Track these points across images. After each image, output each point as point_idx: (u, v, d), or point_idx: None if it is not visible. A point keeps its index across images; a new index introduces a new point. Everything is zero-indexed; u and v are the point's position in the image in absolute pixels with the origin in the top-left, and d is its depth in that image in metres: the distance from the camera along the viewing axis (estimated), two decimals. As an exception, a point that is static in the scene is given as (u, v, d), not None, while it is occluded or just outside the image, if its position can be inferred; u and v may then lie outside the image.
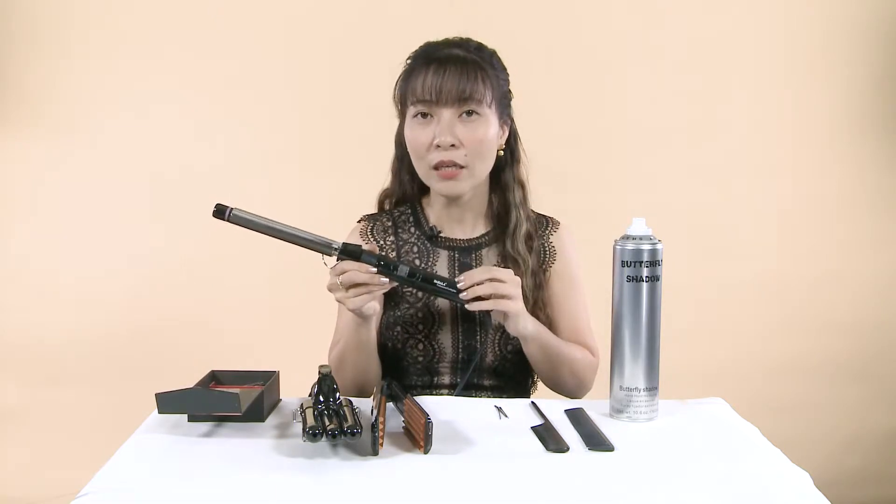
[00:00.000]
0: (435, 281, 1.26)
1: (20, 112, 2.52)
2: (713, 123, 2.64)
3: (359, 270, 1.19)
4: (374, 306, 1.26)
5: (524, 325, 1.31)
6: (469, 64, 1.36)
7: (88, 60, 2.51)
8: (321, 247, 1.21)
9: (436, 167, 1.37)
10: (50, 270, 2.54)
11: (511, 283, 1.25)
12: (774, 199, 2.67)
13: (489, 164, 1.41)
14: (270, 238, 1.21)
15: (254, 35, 2.55)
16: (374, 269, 1.20)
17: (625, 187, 2.57)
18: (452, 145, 1.35)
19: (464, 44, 1.41)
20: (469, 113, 1.35)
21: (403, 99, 1.40)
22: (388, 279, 1.21)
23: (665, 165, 2.62)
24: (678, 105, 2.62)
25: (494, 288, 1.24)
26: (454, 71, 1.34)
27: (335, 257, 1.21)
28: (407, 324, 1.42)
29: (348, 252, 1.21)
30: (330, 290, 1.22)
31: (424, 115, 1.36)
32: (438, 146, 1.35)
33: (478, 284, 1.23)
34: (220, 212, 1.19)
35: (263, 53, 2.55)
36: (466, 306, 1.25)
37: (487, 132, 1.37)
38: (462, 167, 1.36)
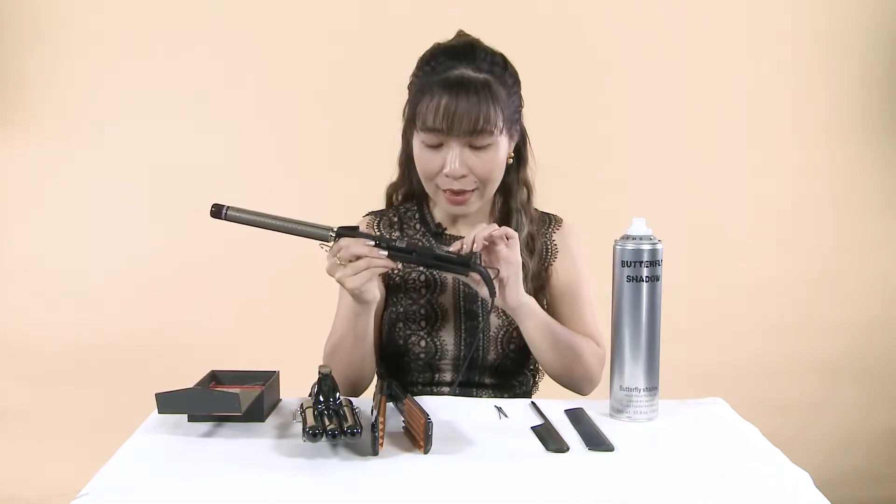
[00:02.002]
0: (434, 251, 1.24)
1: (21, 112, 2.52)
2: (713, 123, 2.64)
3: (356, 243, 1.20)
4: (374, 291, 1.25)
5: (518, 293, 1.29)
6: (481, 90, 1.31)
7: (89, 61, 2.51)
8: (319, 233, 1.22)
9: (444, 189, 1.36)
10: (50, 270, 2.55)
11: (511, 244, 1.26)
12: (774, 199, 2.67)
13: (498, 181, 1.40)
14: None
15: (254, 35, 2.55)
16: (372, 242, 1.20)
17: (625, 187, 2.57)
18: (463, 175, 1.33)
19: (476, 58, 1.35)
20: (480, 143, 1.32)
21: (412, 118, 1.37)
22: (386, 252, 1.21)
23: (665, 165, 2.62)
24: (678, 105, 2.62)
25: (488, 230, 1.24)
26: (466, 101, 1.30)
27: (332, 242, 1.22)
28: (409, 320, 1.42)
29: (346, 234, 1.22)
30: (329, 272, 1.22)
31: (435, 141, 1.34)
32: (448, 175, 1.33)
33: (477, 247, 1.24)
34: (217, 212, 1.22)
35: (263, 53, 2.55)
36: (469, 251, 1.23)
37: (497, 158, 1.35)
38: (471, 191, 1.36)
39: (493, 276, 1.24)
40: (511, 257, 1.26)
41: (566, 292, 1.47)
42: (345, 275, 1.20)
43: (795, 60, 2.64)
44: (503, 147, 1.36)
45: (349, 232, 1.22)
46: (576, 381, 1.41)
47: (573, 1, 2.60)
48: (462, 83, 1.31)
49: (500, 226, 1.45)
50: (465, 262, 1.23)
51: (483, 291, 1.25)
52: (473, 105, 1.30)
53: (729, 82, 2.64)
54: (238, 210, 1.21)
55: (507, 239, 1.25)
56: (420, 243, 1.46)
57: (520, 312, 1.32)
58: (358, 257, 1.19)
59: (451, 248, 1.24)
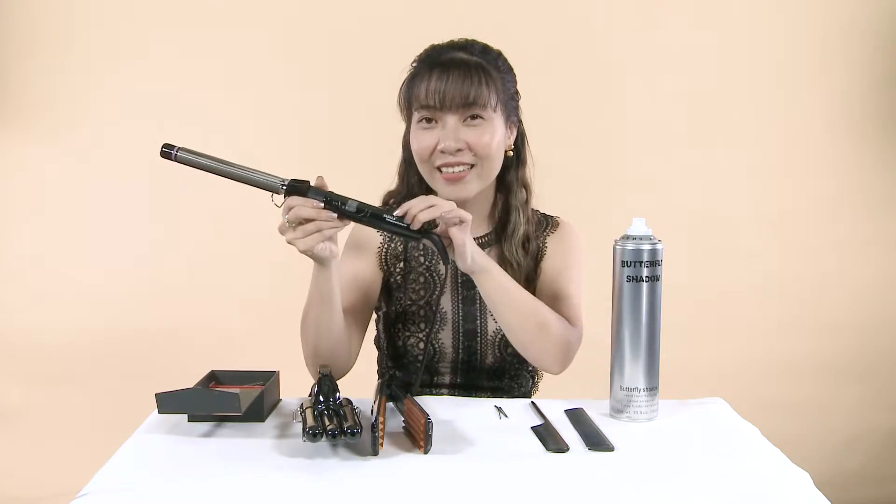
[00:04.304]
0: (384, 216, 1.18)
1: (21, 112, 2.52)
2: (713, 123, 2.64)
3: (304, 205, 1.13)
4: (330, 247, 1.19)
5: (474, 258, 1.23)
6: (473, 68, 1.33)
7: (88, 60, 2.52)
8: (269, 183, 1.16)
9: (440, 168, 1.34)
10: (50, 270, 2.55)
11: (463, 227, 1.20)
12: (774, 199, 2.67)
13: (497, 165, 1.38)
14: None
15: (254, 35, 2.55)
16: (322, 205, 1.14)
17: (625, 187, 2.57)
18: (459, 150, 1.33)
19: (468, 46, 1.38)
20: (474, 117, 1.33)
21: (408, 104, 1.38)
22: (336, 215, 1.15)
23: (665, 165, 2.62)
24: (678, 105, 2.62)
25: (435, 212, 1.17)
26: (457, 75, 1.32)
27: (283, 196, 1.15)
28: (408, 322, 1.42)
29: (296, 189, 1.15)
30: (280, 231, 1.16)
31: (429, 120, 1.34)
32: (443, 151, 1.33)
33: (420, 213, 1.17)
34: (168, 153, 1.21)
35: (263, 53, 2.55)
36: (412, 226, 1.17)
37: (494, 136, 1.34)
38: (470, 165, 1.34)
39: (446, 245, 1.20)
40: (459, 239, 1.20)
41: (550, 279, 1.43)
42: (294, 237, 1.15)
43: (795, 60, 2.64)
44: (499, 128, 1.36)
45: (300, 184, 1.15)
46: (543, 354, 1.34)
47: (574, 1, 2.60)
48: (453, 62, 1.34)
49: (499, 224, 1.44)
50: (417, 231, 1.17)
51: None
52: (465, 79, 1.32)
53: (729, 82, 2.64)
54: (189, 152, 1.20)
55: (461, 223, 1.19)
56: (421, 244, 1.45)
57: (478, 276, 1.27)
58: (307, 220, 1.14)
59: (396, 213, 1.18)
